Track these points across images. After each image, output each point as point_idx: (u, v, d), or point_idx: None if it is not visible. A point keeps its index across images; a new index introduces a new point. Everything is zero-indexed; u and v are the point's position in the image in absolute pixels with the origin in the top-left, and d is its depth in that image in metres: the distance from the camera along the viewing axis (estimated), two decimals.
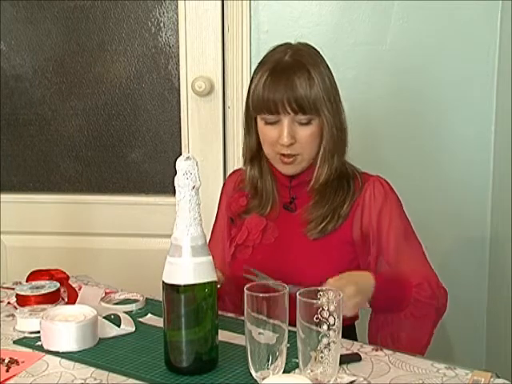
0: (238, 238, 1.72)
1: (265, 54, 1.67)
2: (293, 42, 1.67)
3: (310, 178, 1.66)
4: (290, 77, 1.57)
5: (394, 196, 1.67)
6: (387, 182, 1.68)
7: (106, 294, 1.72)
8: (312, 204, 1.66)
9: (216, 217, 1.85)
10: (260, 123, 1.64)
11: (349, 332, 1.62)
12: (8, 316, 1.62)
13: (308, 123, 1.60)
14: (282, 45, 1.66)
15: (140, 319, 1.58)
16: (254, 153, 1.70)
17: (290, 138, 1.59)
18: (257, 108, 1.62)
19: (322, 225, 1.62)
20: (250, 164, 1.72)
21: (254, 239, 1.69)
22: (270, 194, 1.71)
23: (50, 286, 1.68)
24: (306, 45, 1.67)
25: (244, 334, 1.22)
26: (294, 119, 1.59)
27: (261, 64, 1.65)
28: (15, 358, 1.39)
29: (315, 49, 1.66)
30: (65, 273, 1.78)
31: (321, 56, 1.66)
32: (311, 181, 1.66)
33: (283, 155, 1.62)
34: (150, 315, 1.60)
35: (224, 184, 1.88)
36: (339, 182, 1.66)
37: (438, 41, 2.32)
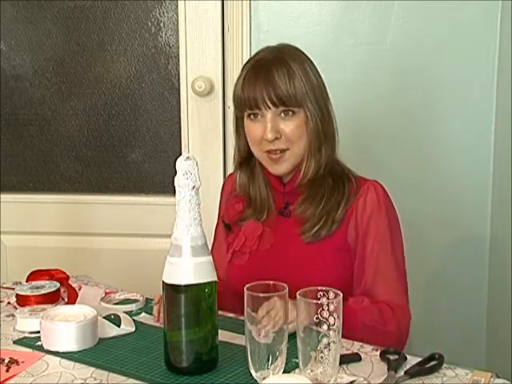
0: (234, 244, 1.71)
1: None
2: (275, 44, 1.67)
3: None
4: (269, 71, 1.57)
5: (385, 205, 1.63)
6: (383, 188, 1.65)
7: (106, 293, 1.72)
8: (303, 199, 1.64)
9: (217, 223, 1.84)
10: (246, 122, 1.63)
11: None
12: (8, 316, 1.62)
13: (291, 116, 1.59)
14: (265, 47, 1.66)
15: (140, 319, 1.58)
16: (244, 156, 1.69)
17: (274, 132, 1.58)
18: (239, 106, 1.62)
19: (316, 228, 1.60)
20: (240, 169, 1.71)
21: (250, 245, 1.68)
22: (264, 200, 1.69)
23: (50, 285, 1.68)
24: (289, 45, 1.67)
25: (244, 333, 1.22)
26: (276, 113, 1.58)
27: (244, 66, 1.65)
28: (15, 358, 1.39)
29: (299, 49, 1.66)
30: (65, 273, 1.78)
31: (305, 54, 1.65)
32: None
33: (270, 152, 1.61)
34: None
35: (222, 189, 1.86)
36: (334, 182, 1.64)
37: (437, 41, 2.32)
